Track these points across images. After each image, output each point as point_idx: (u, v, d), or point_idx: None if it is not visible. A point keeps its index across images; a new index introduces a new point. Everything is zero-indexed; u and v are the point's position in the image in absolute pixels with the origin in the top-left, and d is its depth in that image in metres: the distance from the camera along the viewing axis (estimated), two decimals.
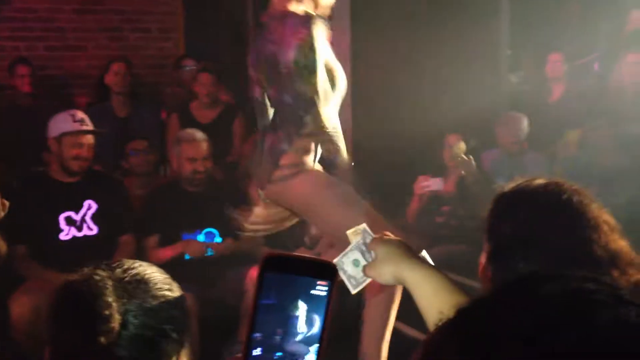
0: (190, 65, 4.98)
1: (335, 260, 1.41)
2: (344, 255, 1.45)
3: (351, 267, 1.43)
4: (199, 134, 3.61)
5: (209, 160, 3.55)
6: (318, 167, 2.44)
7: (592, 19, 6.65)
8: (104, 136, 3.71)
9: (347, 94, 2.45)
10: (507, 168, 4.29)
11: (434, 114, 4.60)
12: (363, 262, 1.42)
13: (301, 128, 2.33)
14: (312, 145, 2.39)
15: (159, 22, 5.74)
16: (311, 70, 2.22)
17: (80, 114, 3.38)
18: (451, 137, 4.26)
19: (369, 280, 1.41)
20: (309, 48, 2.21)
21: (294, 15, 2.26)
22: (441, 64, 4.88)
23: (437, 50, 4.82)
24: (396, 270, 1.34)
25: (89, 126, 3.35)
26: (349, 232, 1.48)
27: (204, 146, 3.54)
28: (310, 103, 2.26)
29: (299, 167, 2.36)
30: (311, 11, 2.29)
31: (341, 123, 2.44)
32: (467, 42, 4.93)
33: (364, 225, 1.47)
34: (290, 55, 2.22)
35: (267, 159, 2.41)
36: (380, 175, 4.35)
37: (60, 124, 3.28)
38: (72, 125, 3.27)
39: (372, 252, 1.40)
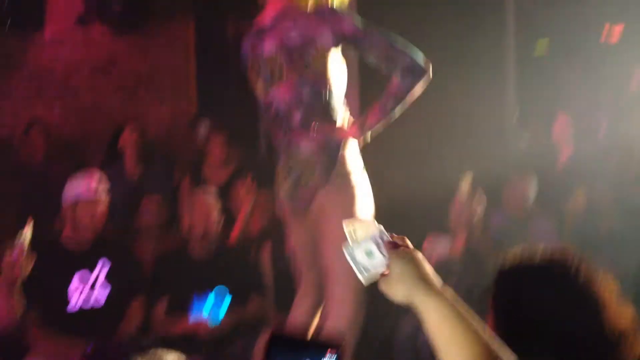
0: (203, 124, 5.05)
1: (345, 246, 1.38)
2: (356, 243, 1.37)
3: (363, 257, 1.36)
4: (211, 196, 3.66)
5: (220, 223, 3.60)
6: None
7: (597, 79, 6.76)
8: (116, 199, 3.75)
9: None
10: (514, 232, 4.30)
11: (442, 174, 4.65)
12: (378, 255, 1.35)
13: (333, 117, 2.30)
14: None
15: (172, 81, 5.87)
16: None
17: (96, 180, 3.42)
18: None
19: (381, 268, 1.34)
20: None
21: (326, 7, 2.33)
22: (448, 124, 4.96)
23: (445, 110, 4.90)
24: (409, 294, 1.28)
25: (104, 193, 3.39)
26: (353, 221, 1.43)
27: (216, 204, 3.58)
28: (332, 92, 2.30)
29: (360, 165, 2.36)
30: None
31: None
32: (473, 103, 5.01)
33: (376, 224, 1.41)
34: (349, 25, 2.27)
35: (318, 158, 2.27)
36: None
37: (76, 189, 3.32)
38: (87, 193, 3.31)
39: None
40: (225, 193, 4.09)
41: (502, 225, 4.41)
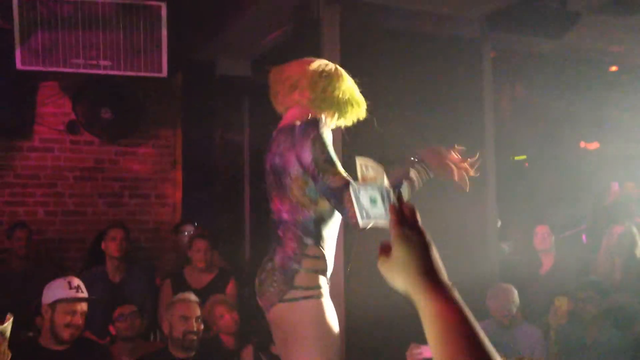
0: (187, 230, 5.08)
1: (352, 183, 1.31)
2: (363, 186, 1.32)
3: (367, 200, 1.29)
4: (192, 296, 3.65)
5: (201, 323, 3.55)
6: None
7: (577, 191, 6.96)
8: (96, 302, 3.71)
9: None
10: (499, 340, 4.26)
11: None
12: (380, 206, 1.29)
13: (304, 249, 2.30)
14: (323, 264, 2.33)
15: (156, 188, 5.95)
16: (332, 162, 2.20)
17: (76, 281, 3.40)
18: None
19: (381, 221, 1.26)
20: (321, 144, 2.22)
21: (302, 122, 2.29)
22: (430, 234, 5.00)
23: (427, 224, 4.96)
24: (409, 287, 1.13)
25: (84, 294, 3.36)
26: (366, 159, 1.38)
27: (197, 307, 3.56)
28: (310, 222, 2.29)
29: (315, 291, 2.30)
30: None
31: (333, 288, 2.46)
32: (457, 214, 5.10)
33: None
34: (308, 156, 2.21)
35: (279, 277, 2.31)
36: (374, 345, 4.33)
37: (56, 290, 3.30)
38: (67, 292, 3.29)
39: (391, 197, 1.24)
40: (207, 297, 4.05)
41: (487, 333, 4.37)
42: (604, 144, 7.61)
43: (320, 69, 2.45)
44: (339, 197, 2.10)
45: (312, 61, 2.49)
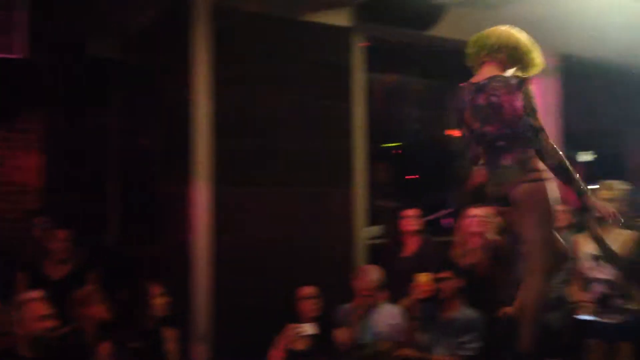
0: (46, 220, 4.87)
1: None
2: None
3: None
4: (42, 293, 3.52)
5: (53, 321, 3.42)
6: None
7: (446, 176, 7.26)
8: None
9: None
10: (363, 321, 4.42)
11: (289, 272, 4.76)
12: None
13: (529, 146, 3.19)
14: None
15: (16, 175, 5.65)
16: (535, 110, 3.17)
17: None
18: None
19: None
20: (528, 98, 3.16)
21: (514, 80, 3.20)
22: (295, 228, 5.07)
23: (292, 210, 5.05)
24: None
25: None
26: None
27: (47, 305, 3.44)
28: (536, 131, 3.17)
29: (545, 173, 3.19)
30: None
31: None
32: (324, 199, 5.20)
33: None
34: (518, 104, 3.15)
35: (514, 169, 3.20)
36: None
37: None
38: None
39: None
40: (66, 289, 3.90)
41: (352, 315, 4.52)
42: None
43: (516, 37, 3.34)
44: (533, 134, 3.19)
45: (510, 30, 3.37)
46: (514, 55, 3.29)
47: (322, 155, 5.21)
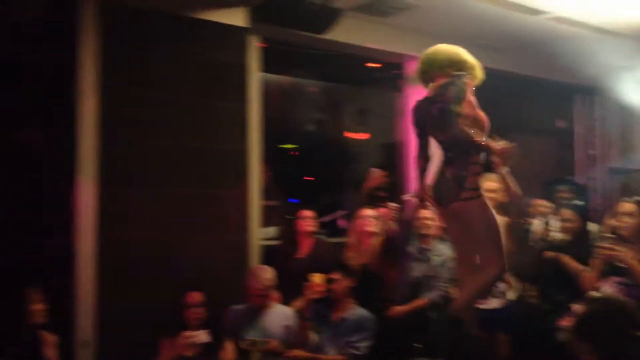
0: None
1: None
2: None
3: None
4: None
5: None
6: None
7: (343, 177, 7.37)
8: None
9: None
10: (255, 322, 4.41)
11: (179, 276, 4.68)
12: None
13: (471, 160, 3.39)
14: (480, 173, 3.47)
15: None
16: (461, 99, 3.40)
17: None
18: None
19: None
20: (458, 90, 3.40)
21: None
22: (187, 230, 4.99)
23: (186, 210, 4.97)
24: None
25: None
26: None
27: None
28: (476, 145, 3.34)
29: (479, 191, 3.42)
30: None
31: None
32: (218, 200, 5.15)
33: None
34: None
35: (451, 185, 3.42)
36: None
37: None
38: None
39: None
40: None
41: (245, 317, 4.49)
42: (372, 133, 8.17)
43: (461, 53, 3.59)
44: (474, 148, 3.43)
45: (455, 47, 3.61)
46: (462, 70, 3.51)
47: (217, 156, 5.16)
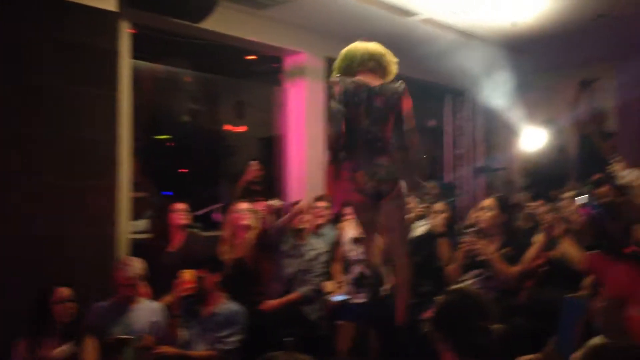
0: None
1: None
2: None
3: None
4: None
5: None
6: None
7: (220, 170, 7.27)
8: None
9: None
10: (122, 317, 4.26)
11: (47, 271, 4.45)
12: None
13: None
14: None
15: None
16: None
17: None
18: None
19: None
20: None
21: (402, 87, 3.64)
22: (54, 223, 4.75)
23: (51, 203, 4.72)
24: None
25: None
26: None
27: None
28: (410, 131, 3.61)
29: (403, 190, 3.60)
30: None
31: None
32: (85, 192, 4.92)
33: None
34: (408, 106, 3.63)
35: (392, 168, 3.57)
36: None
37: None
38: None
39: None
40: None
41: (113, 312, 4.32)
42: (250, 126, 8.13)
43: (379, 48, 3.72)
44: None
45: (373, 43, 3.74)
46: (381, 64, 3.66)
47: (85, 146, 4.92)
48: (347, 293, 5.03)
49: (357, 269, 4.86)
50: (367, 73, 3.64)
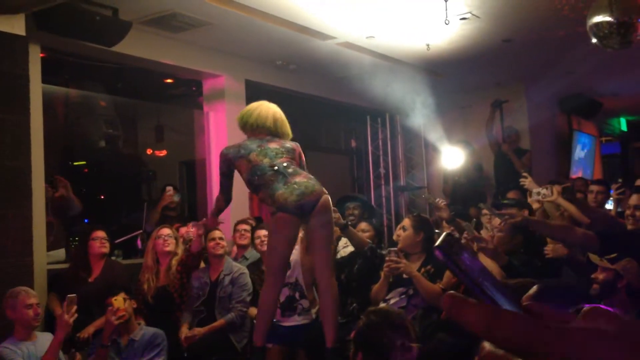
0: None
1: None
2: None
3: None
4: None
5: None
6: None
7: (139, 195, 7.09)
8: None
9: None
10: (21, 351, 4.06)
11: None
12: None
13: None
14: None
15: None
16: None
17: None
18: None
19: None
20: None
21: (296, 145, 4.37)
22: None
23: None
24: None
25: None
26: None
27: None
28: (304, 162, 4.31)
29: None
30: None
31: None
32: None
33: None
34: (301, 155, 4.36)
35: (314, 182, 4.02)
36: None
37: None
38: None
39: None
40: None
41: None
42: (170, 150, 8.00)
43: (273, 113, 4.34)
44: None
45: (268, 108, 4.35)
46: (272, 130, 4.17)
47: None
48: (279, 316, 4.97)
49: (285, 292, 4.82)
50: (261, 134, 4.16)
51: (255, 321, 4.29)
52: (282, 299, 4.65)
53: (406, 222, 4.71)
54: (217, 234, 5.21)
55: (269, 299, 4.06)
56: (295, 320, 4.74)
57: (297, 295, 4.72)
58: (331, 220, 4.08)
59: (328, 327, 3.97)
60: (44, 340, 4.15)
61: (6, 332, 4.16)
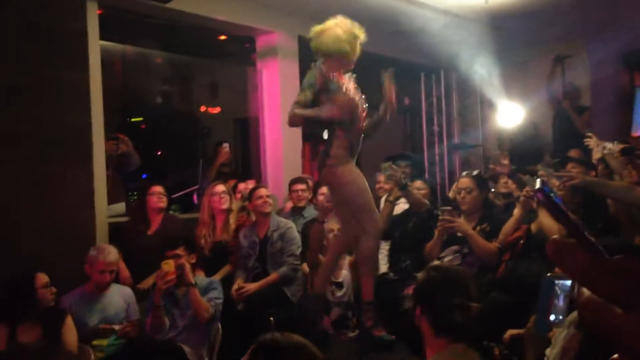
0: None
1: None
2: None
3: None
4: None
5: None
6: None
7: (193, 152, 7.18)
8: None
9: None
10: (95, 304, 4.22)
11: (24, 257, 4.36)
12: None
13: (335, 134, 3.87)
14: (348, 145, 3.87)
15: None
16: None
17: None
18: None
19: None
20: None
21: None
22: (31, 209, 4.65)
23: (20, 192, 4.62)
24: None
25: None
26: None
27: None
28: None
29: (341, 159, 3.82)
30: None
31: None
32: (60, 179, 4.84)
33: None
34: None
35: (321, 155, 3.89)
36: None
37: None
38: None
39: None
40: None
41: (85, 299, 4.27)
42: (224, 107, 8.04)
43: None
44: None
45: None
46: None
47: (58, 130, 4.81)
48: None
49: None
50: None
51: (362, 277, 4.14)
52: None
53: (468, 182, 4.63)
54: (263, 191, 5.21)
55: (372, 246, 3.94)
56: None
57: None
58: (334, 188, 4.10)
59: (365, 282, 4.00)
60: (113, 292, 4.31)
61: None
